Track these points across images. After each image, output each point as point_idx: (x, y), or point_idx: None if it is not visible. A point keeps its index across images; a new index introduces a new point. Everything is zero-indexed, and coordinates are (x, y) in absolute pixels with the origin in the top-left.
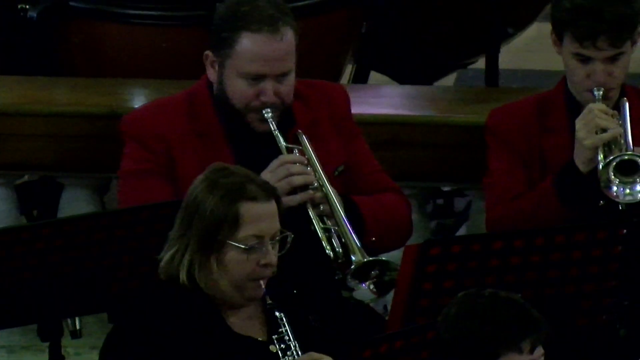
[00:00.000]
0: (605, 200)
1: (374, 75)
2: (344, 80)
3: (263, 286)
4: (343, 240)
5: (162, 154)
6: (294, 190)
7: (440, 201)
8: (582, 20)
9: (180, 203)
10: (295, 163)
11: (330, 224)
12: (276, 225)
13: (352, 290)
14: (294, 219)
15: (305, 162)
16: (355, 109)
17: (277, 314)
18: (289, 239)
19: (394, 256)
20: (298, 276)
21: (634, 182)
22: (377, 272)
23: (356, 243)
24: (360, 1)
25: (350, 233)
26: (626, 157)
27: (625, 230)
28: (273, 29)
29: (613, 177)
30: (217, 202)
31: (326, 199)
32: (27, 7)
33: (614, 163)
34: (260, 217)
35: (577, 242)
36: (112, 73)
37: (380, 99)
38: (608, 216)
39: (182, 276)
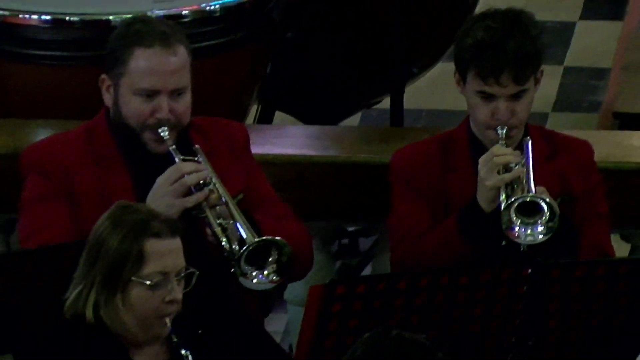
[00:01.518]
0: (507, 241)
1: (279, 115)
2: (249, 120)
3: (169, 324)
4: (239, 232)
5: (61, 180)
6: (190, 192)
7: (345, 241)
8: (485, 55)
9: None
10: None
11: (226, 223)
12: (181, 261)
13: (245, 275)
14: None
15: (201, 166)
16: (260, 149)
17: (183, 352)
18: (194, 276)
19: (298, 295)
20: (203, 314)
21: (535, 224)
22: (275, 256)
23: (250, 229)
24: (265, 41)
25: (245, 222)
26: (528, 199)
27: (530, 270)
28: (166, 44)
29: (515, 218)
30: (121, 239)
31: (222, 200)
32: None
33: (516, 204)
34: (164, 254)
35: (482, 282)
36: (16, 113)
37: (284, 139)
38: (510, 256)
39: (88, 314)
